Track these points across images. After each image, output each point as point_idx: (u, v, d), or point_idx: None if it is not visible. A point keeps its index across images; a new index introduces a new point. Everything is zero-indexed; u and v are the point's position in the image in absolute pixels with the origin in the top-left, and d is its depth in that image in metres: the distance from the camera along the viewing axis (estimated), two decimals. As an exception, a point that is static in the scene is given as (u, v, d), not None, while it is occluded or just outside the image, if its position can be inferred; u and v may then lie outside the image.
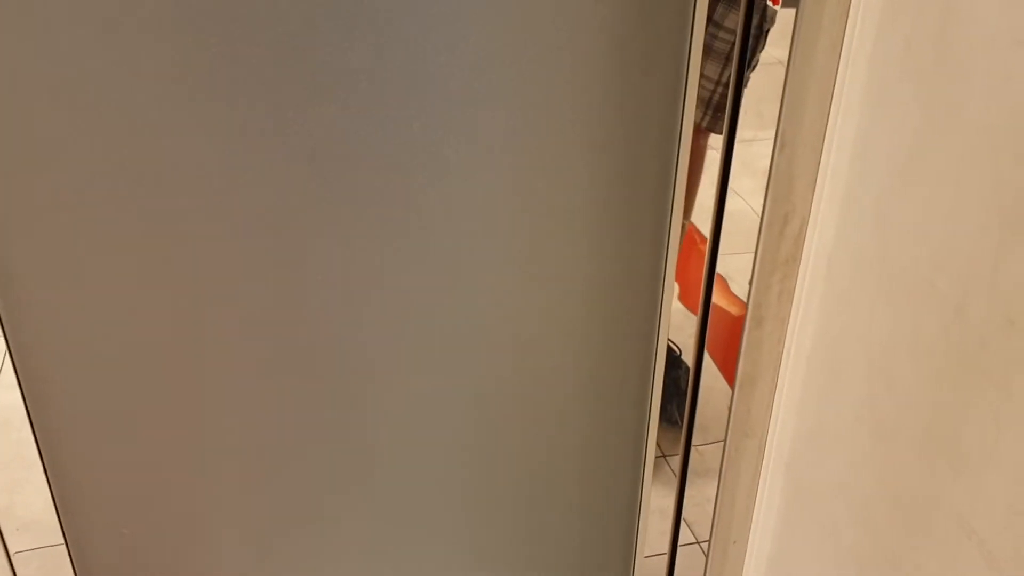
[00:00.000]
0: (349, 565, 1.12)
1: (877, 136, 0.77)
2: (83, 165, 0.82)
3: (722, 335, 1.10)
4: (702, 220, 1.11)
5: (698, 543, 1.31)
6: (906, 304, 0.76)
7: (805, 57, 0.81)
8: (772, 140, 0.88)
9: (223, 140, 0.83)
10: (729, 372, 1.04)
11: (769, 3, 0.91)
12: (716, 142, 0.99)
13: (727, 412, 1.03)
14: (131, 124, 0.81)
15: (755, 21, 0.89)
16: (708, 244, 0.97)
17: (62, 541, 1.01)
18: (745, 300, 0.94)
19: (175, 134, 0.82)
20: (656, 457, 1.18)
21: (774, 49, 0.99)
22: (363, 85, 0.84)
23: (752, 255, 0.91)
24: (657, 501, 1.25)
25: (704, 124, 1.23)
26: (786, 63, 0.84)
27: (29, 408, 0.92)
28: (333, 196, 0.88)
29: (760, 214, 0.89)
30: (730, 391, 1.04)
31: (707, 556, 1.14)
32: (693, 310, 1.06)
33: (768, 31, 1.07)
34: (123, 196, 0.84)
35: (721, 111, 1.12)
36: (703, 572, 1.16)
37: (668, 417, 1.30)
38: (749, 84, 0.92)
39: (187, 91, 0.80)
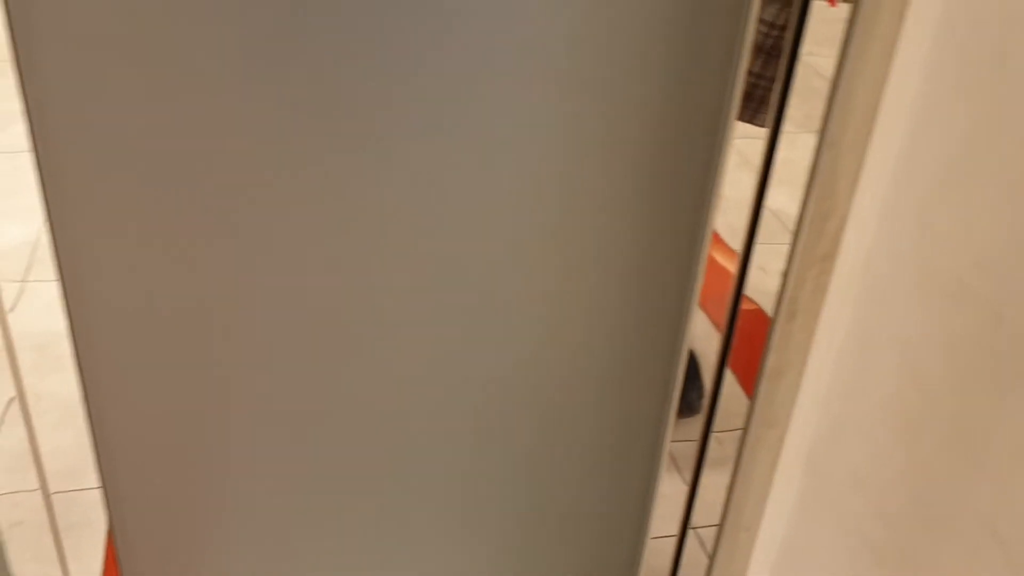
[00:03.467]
0: (375, 552, 1.14)
1: (924, 140, 0.79)
2: (141, 140, 0.83)
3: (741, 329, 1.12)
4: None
5: (693, 529, 1.33)
6: (943, 306, 0.78)
7: (856, 60, 0.82)
8: (766, 136, 0.91)
9: (272, 119, 0.84)
10: (739, 364, 1.06)
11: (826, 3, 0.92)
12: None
13: (737, 402, 1.05)
14: (189, 98, 0.82)
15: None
16: (744, 238, 0.98)
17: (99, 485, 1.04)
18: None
19: (228, 114, 0.83)
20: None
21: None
22: (409, 67, 0.85)
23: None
24: (662, 486, 1.28)
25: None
26: (836, 64, 0.85)
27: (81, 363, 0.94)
28: (374, 177, 0.90)
29: (800, 210, 0.91)
30: (736, 381, 1.06)
31: (716, 541, 1.17)
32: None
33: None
34: (181, 174, 0.85)
35: (750, 101, 1.13)
36: (710, 557, 1.19)
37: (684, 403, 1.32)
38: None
39: (239, 74, 0.82)
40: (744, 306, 1.11)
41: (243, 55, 0.82)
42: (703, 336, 1.24)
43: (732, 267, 1.07)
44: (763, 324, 1.03)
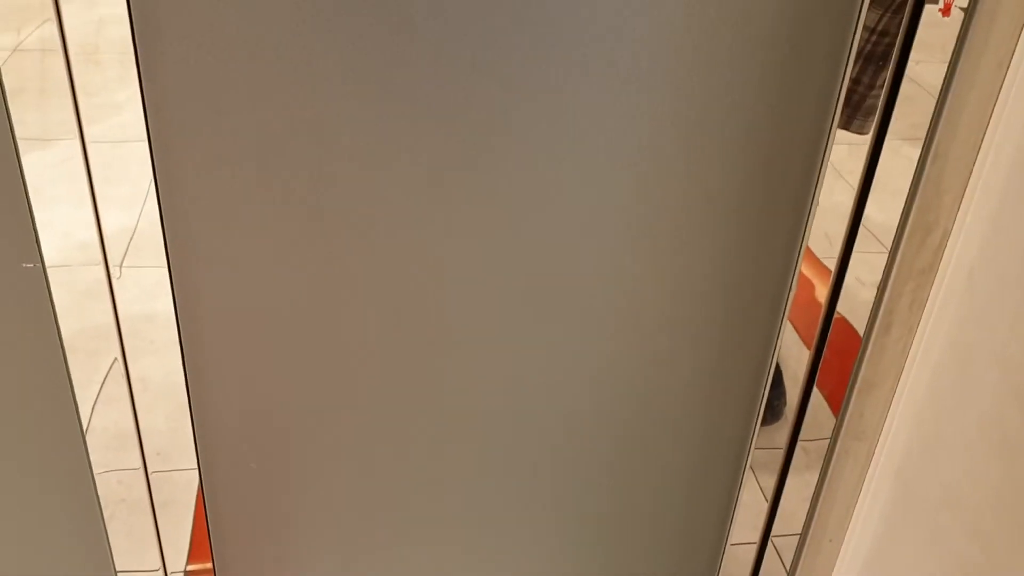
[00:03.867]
0: (461, 550, 1.15)
1: (1037, 156, 0.77)
2: (257, 136, 0.85)
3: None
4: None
5: (771, 540, 1.32)
6: (1050, 326, 0.76)
7: (968, 72, 0.81)
8: (869, 144, 0.90)
9: (382, 125, 0.86)
10: (825, 376, 1.06)
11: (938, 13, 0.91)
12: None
13: (822, 413, 1.04)
14: (305, 98, 0.84)
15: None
16: (840, 249, 0.98)
17: (188, 467, 1.07)
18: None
19: (341, 117, 0.85)
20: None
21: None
22: (518, 74, 0.86)
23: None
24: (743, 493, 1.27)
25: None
26: (945, 73, 0.84)
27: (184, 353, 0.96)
28: (478, 182, 0.91)
29: (900, 221, 0.90)
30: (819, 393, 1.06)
31: (799, 551, 1.16)
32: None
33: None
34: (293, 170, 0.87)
35: (846, 107, 1.12)
36: (792, 565, 1.18)
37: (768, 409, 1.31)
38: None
39: (354, 77, 0.83)
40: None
41: (361, 53, 0.83)
42: (787, 346, 1.23)
43: (814, 277, 1.06)
44: (849, 337, 1.03)
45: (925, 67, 0.89)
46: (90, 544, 1.07)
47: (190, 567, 1.23)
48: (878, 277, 0.95)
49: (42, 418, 0.99)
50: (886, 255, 0.94)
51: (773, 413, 1.31)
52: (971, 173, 0.84)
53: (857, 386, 0.99)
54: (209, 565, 1.16)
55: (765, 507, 1.22)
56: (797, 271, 1.01)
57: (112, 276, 1.01)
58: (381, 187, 0.90)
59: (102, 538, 1.07)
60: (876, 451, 1.02)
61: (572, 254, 0.97)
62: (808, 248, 1.04)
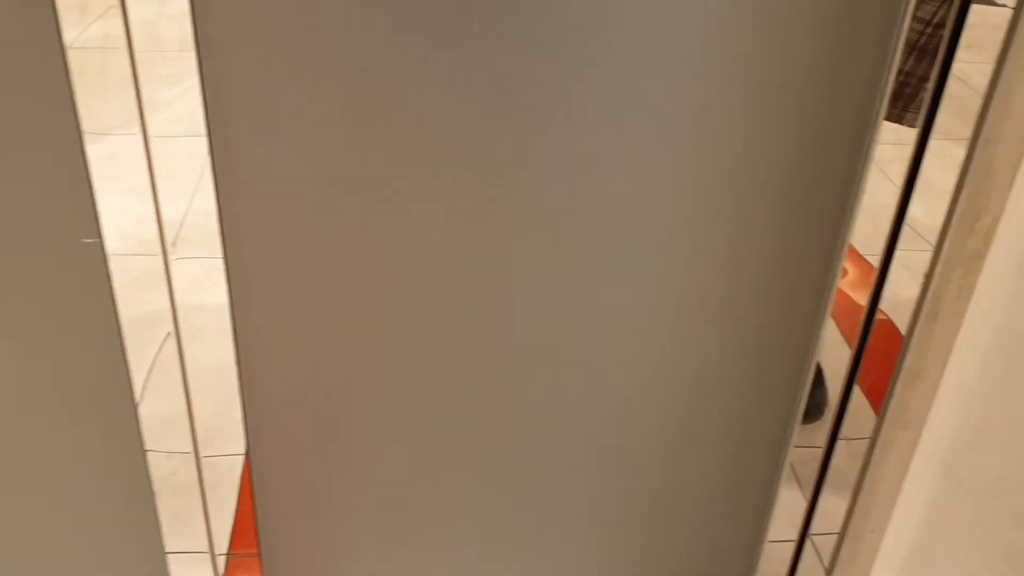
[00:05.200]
0: (506, 545, 1.16)
1: (1089, 140, 0.77)
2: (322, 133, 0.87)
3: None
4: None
5: (809, 537, 1.32)
6: (1103, 308, 0.76)
7: (1019, 58, 0.82)
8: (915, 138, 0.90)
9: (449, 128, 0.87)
10: (866, 373, 1.06)
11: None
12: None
13: (862, 411, 1.04)
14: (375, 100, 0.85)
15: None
16: (884, 244, 0.98)
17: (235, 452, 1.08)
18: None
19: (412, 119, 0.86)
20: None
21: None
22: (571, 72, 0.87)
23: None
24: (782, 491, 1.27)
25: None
26: (995, 61, 0.85)
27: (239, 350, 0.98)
28: (529, 181, 0.92)
29: (948, 207, 0.90)
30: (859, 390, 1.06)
31: (839, 542, 1.16)
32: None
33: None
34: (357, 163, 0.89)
35: (902, 101, 1.12)
36: (831, 559, 1.18)
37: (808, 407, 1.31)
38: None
39: (428, 81, 0.84)
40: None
41: (420, 43, 0.85)
42: (829, 342, 1.23)
43: (855, 272, 1.06)
44: (890, 333, 1.03)
45: (971, 56, 0.89)
46: (141, 525, 1.08)
47: (235, 552, 1.24)
48: (922, 271, 0.95)
49: (98, 397, 1.00)
50: (930, 252, 0.94)
51: (814, 412, 1.31)
52: (1022, 158, 0.84)
53: (902, 375, 0.99)
54: (254, 550, 1.17)
55: (804, 505, 1.22)
56: (839, 269, 1.02)
57: (168, 263, 1.03)
58: (434, 179, 0.91)
59: (153, 519, 1.08)
60: (921, 440, 1.02)
61: (617, 249, 0.97)
62: (851, 245, 1.04)
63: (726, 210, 0.97)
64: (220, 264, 0.96)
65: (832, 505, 1.18)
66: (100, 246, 0.95)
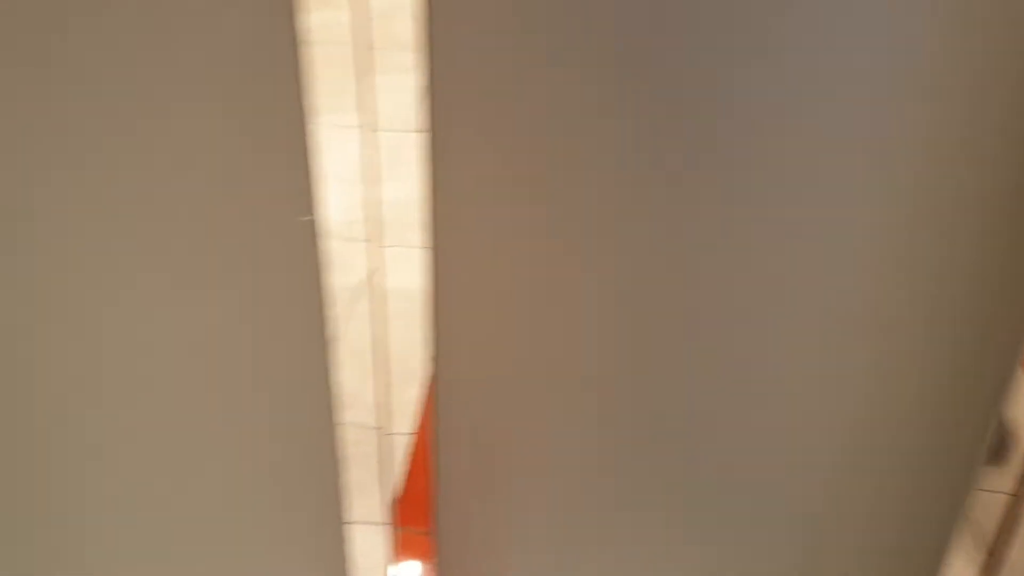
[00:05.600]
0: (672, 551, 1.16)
1: None
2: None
3: None
4: None
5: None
6: None
7: None
8: None
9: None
10: None
11: None
12: None
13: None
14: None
15: None
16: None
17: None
18: None
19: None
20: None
21: None
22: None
23: None
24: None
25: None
26: None
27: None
28: (737, 181, 0.91)
29: None
30: None
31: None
32: None
33: None
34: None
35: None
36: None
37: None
38: None
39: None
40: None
41: (634, 53, 0.85)
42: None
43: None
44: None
45: None
46: (323, 494, 1.13)
47: (408, 529, 1.28)
48: None
49: (296, 368, 1.05)
50: None
51: (1000, 456, 1.26)
52: None
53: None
54: (423, 528, 1.20)
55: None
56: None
57: (359, 256, 1.06)
58: (640, 187, 0.92)
59: (336, 488, 1.13)
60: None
61: (823, 264, 0.96)
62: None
63: (931, 230, 0.94)
64: (406, 252, 0.99)
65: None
66: (313, 224, 0.99)
